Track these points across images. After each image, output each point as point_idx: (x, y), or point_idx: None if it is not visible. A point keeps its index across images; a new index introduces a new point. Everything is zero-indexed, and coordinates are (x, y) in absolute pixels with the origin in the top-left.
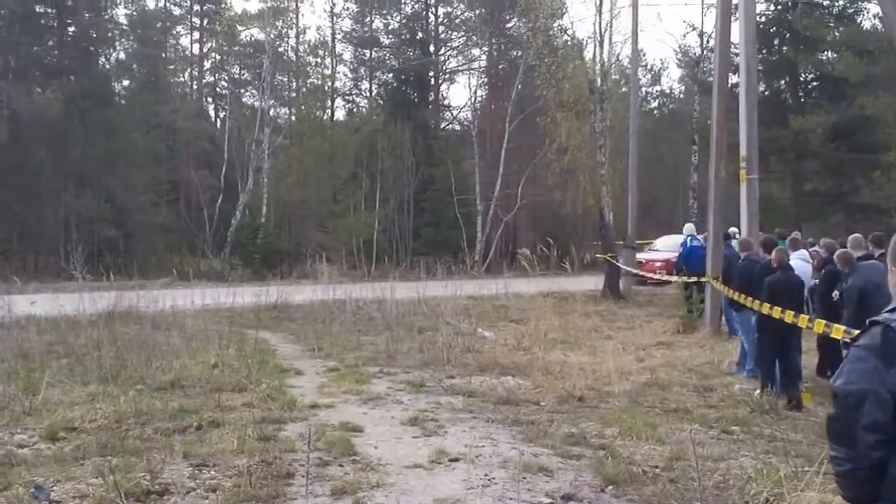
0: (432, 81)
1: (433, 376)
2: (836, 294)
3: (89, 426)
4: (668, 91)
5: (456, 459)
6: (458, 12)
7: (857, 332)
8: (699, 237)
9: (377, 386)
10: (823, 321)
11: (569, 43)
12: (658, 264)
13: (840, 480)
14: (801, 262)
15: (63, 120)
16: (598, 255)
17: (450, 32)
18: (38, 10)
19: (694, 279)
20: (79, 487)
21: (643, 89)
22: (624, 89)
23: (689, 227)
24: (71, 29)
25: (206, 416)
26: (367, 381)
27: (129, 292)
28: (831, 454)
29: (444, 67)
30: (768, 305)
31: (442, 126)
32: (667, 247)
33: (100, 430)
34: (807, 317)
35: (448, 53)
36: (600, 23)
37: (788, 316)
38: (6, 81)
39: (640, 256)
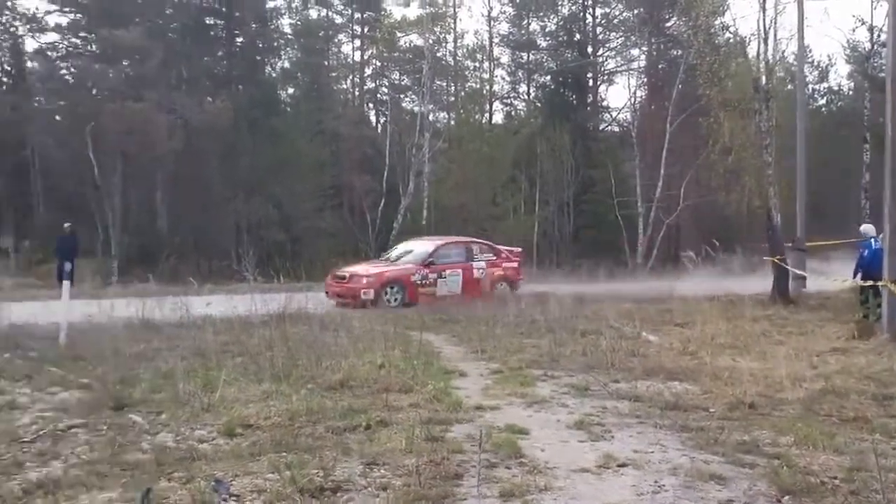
0: (590, 83)
1: (598, 380)
2: None
3: (264, 423)
4: (836, 88)
5: (624, 465)
6: (616, 12)
7: None
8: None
9: (541, 389)
10: None
11: (731, 41)
12: (365, 281)
13: None
14: None
15: (232, 129)
16: (765, 258)
17: (608, 33)
18: (207, 22)
19: (870, 283)
20: (256, 482)
21: (810, 86)
22: (790, 87)
23: (869, 229)
24: (239, 40)
25: (374, 415)
26: (532, 383)
27: (297, 294)
28: None
29: (602, 68)
30: None
31: (601, 128)
32: (415, 257)
33: (274, 427)
34: None
35: (606, 54)
36: (764, 19)
37: None
38: (179, 92)
39: (348, 270)
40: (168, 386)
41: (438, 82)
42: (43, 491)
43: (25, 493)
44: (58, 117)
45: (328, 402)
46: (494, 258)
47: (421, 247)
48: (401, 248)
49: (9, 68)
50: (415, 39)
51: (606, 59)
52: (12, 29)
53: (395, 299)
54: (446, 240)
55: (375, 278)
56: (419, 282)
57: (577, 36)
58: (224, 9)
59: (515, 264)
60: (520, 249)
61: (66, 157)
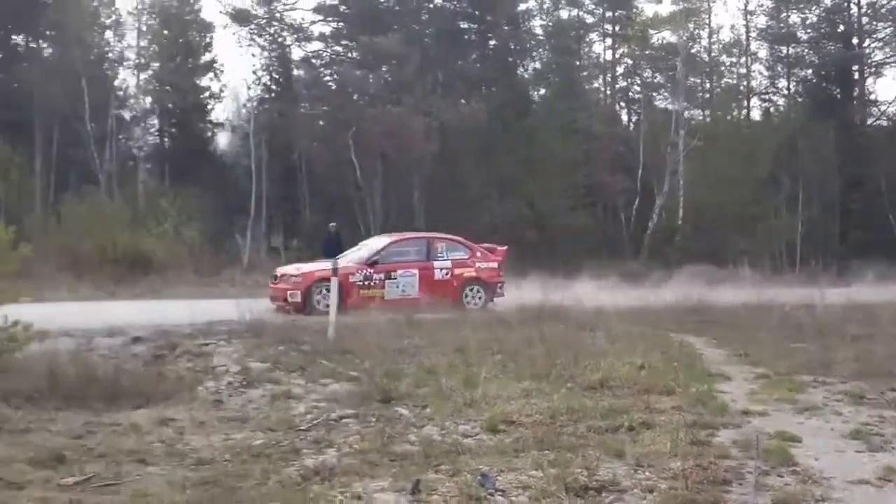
0: (856, 76)
1: (874, 388)
2: None
3: (525, 420)
4: None
5: None
6: (884, 1)
7: None
8: None
9: (812, 395)
10: None
11: None
12: (292, 281)
13: None
14: None
15: (486, 130)
16: None
17: (874, 23)
18: (461, 26)
19: None
20: (521, 478)
21: None
22: None
23: None
24: (491, 42)
25: (636, 416)
26: (801, 389)
27: (553, 293)
28: None
29: (869, 60)
30: None
31: (868, 122)
32: (358, 255)
33: (535, 424)
34: None
35: (873, 45)
36: None
37: None
38: (435, 95)
39: (281, 269)
40: (431, 381)
41: (692, 79)
42: (319, 477)
43: (303, 479)
44: (321, 122)
45: (588, 402)
46: (465, 257)
47: (372, 243)
48: (360, 245)
49: (277, 77)
50: (667, 36)
51: (874, 51)
52: (280, 39)
53: (328, 303)
54: (402, 236)
55: (303, 278)
56: (360, 283)
57: (841, 27)
58: (477, 13)
59: (494, 264)
60: (504, 248)
61: (330, 160)
